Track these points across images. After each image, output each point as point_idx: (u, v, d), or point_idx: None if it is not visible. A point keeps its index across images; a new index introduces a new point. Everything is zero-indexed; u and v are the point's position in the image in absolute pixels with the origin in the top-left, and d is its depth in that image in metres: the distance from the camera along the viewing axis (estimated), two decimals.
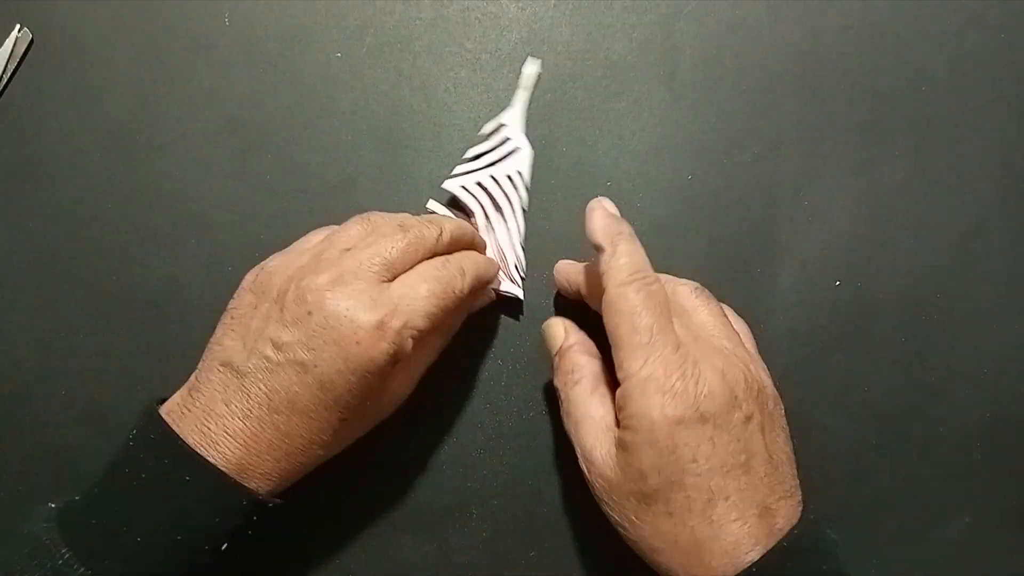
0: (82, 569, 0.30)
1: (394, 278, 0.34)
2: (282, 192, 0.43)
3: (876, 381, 0.42)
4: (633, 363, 0.32)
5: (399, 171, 0.43)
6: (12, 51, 0.43)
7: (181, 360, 0.36)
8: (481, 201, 0.41)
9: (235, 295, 0.36)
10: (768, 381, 0.35)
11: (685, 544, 0.31)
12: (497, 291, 0.41)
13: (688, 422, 0.31)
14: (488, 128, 0.42)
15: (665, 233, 0.42)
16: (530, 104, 0.42)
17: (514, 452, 0.41)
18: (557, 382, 0.37)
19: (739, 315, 0.39)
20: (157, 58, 0.43)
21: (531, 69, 0.41)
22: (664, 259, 0.42)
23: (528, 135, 0.43)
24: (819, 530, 0.33)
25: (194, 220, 0.42)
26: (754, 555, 0.31)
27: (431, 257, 0.35)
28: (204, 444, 0.32)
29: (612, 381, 0.34)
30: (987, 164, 0.43)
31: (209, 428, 0.32)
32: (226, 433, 0.32)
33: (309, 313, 0.32)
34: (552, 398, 0.41)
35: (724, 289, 0.42)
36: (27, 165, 0.43)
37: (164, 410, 0.34)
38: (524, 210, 0.41)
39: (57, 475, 0.41)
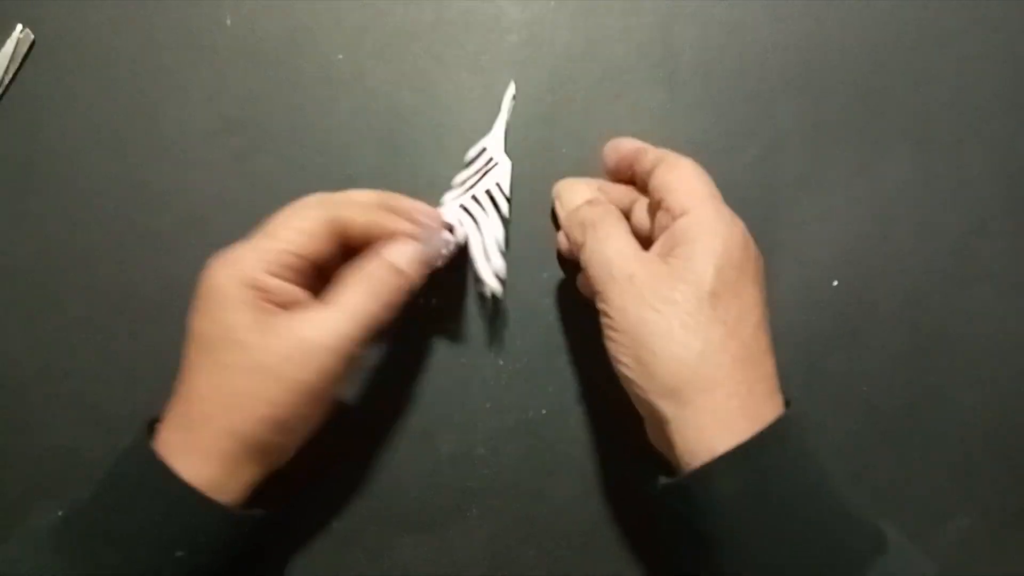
0: (58, 559, 0.31)
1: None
2: (282, 192, 0.42)
3: (876, 381, 0.42)
4: (713, 207, 0.34)
5: (399, 172, 0.43)
6: (13, 51, 0.43)
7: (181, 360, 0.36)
8: (462, 219, 0.40)
9: None
10: None
11: (736, 353, 0.31)
12: (480, 292, 0.40)
13: (747, 244, 0.33)
14: (471, 154, 0.41)
15: None
16: (509, 126, 0.42)
17: (514, 452, 0.41)
18: (576, 235, 0.36)
19: None
20: (157, 58, 0.43)
21: (508, 94, 0.42)
22: None
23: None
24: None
25: (194, 220, 0.42)
26: (776, 392, 0.32)
27: None
28: (177, 454, 0.32)
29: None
30: (987, 164, 0.43)
31: (166, 462, 0.32)
32: (164, 428, 0.33)
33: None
34: (553, 398, 0.41)
35: None
36: (27, 165, 0.43)
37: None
38: (505, 219, 0.40)
39: (57, 475, 0.41)
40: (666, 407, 0.31)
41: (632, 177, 0.39)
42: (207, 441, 0.32)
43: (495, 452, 0.41)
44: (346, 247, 0.36)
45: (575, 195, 0.39)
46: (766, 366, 0.32)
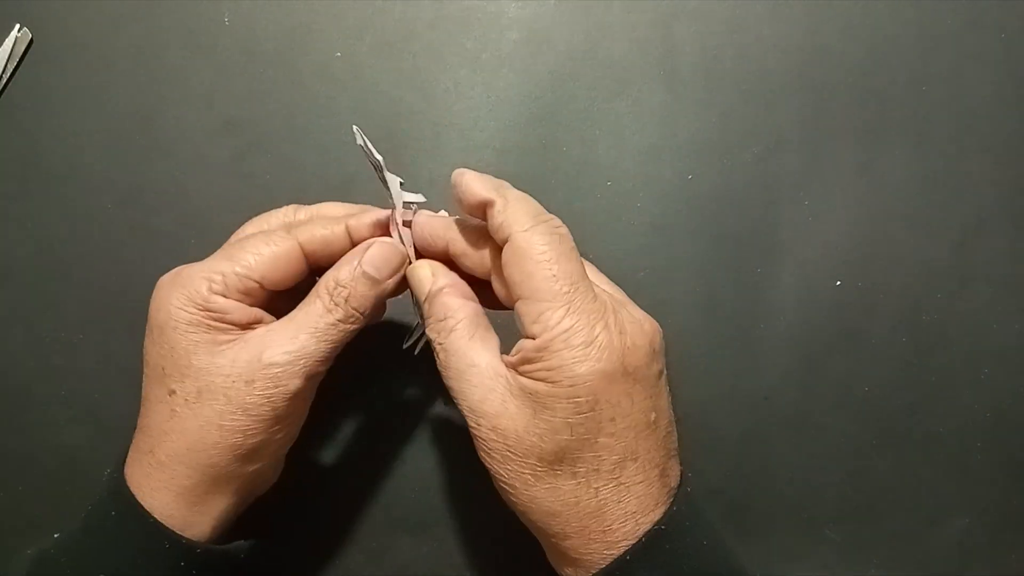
0: None
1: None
2: (282, 192, 0.42)
3: (876, 381, 0.42)
4: (552, 314, 0.29)
5: (399, 171, 0.42)
6: (12, 51, 0.43)
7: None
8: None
9: None
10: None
11: (586, 507, 0.29)
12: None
13: (614, 377, 0.29)
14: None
15: (665, 233, 0.42)
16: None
17: None
18: (429, 331, 0.33)
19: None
20: (157, 58, 0.43)
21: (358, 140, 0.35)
22: (664, 259, 0.42)
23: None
24: (693, 491, 0.33)
25: (194, 220, 0.42)
26: (654, 516, 0.30)
27: None
28: (144, 493, 0.32)
29: (489, 326, 0.32)
30: (987, 164, 0.43)
31: (136, 498, 0.32)
32: (129, 465, 0.32)
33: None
34: None
35: (724, 289, 0.42)
36: (27, 165, 0.43)
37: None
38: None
39: (57, 475, 0.41)
40: (542, 541, 0.32)
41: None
42: (171, 478, 0.31)
43: None
44: (316, 265, 0.34)
45: (421, 283, 0.33)
46: (631, 501, 0.30)
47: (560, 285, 0.29)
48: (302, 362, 0.31)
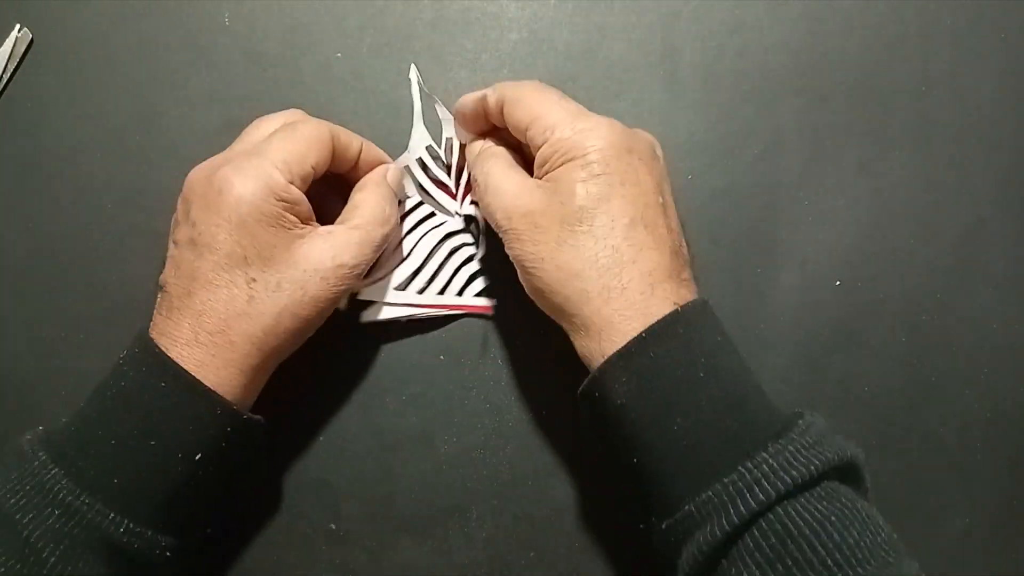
0: (55, 469, 0.31)
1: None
2: None
3: (876, 381, 0.42)
4: (557, 117, 0.34)
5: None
6: (12, 51, 0.43)
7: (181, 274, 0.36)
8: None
9: None
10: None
11: (605, 263, 0.32)
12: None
13: (620, 149, 0.33)
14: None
15: None
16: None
17: (514, 452, 0.41)
18: (475, 171, 0.37)
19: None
20: (157, 58, 0.43)
21: (414, 79, 0.43)
22: None
23: None
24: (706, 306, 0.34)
25: None
26: (669, 287, 0.32)
27: None
28: (199, 370, 0.33)
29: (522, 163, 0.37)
30: (987, 164, 0.43)
31: (166, 353, 0.33)
32: (174, 343, 0.33)
33: (189, 200, 0.35)
34: (554, 398, 0.41)
35: (724, 289, 0.42)
36: (27, 165, 0.43)
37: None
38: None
39: None
40: (564, 326, 0.34)
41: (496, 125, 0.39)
42: (242, 357, 0.33)
43: (495, 452, 0.41)
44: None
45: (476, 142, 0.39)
46: (645, 262, 0.32)
47: (568, 105, 0.35)
48: (362, 267, 0.36)
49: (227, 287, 0.33)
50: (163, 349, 0.33)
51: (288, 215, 0.34)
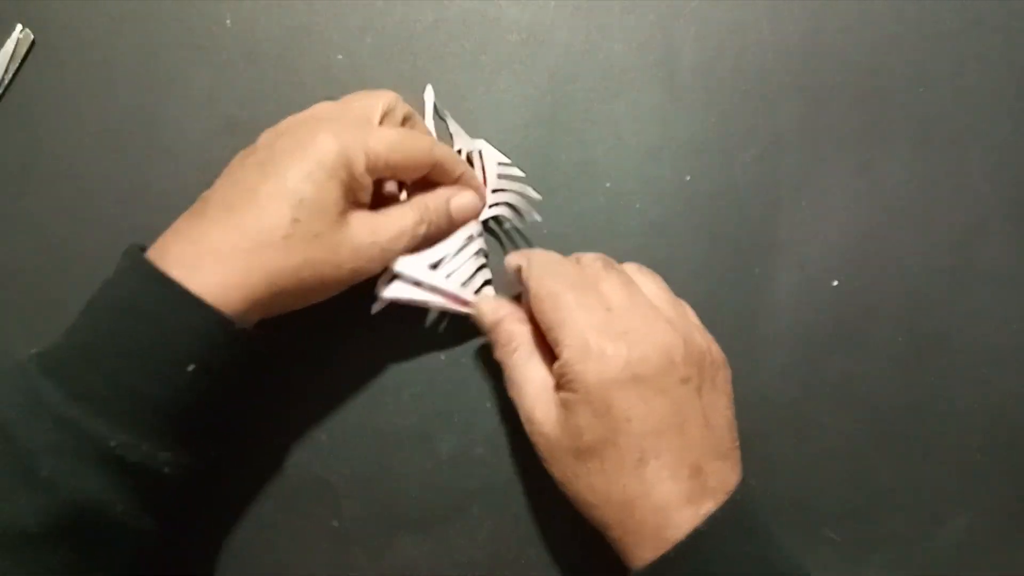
0: (46, 381, 0.31)
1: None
2: None
3: (876, 381, 0.42)
4: (567, 334, 0.34)
5: None
6: (13, 51, 0.43)
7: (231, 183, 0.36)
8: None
9: None
10: (714, 348, 0.36)
11: (617, 500, 0.33)
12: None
13: (621, 383, 0.33)
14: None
15: (665, 233, 0.43)
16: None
17: (514, 452, 0.41)
18: (497, 354, 0.38)
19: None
20: (157, 58, 0.43)
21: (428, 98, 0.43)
22: (664, 259, 0.42)
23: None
24: (751, 499, 0.34)
25: None
26: (688, 513, 0.32)
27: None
28: (184, 269, 0.33)
29: (546, 345, 0.36)
30: (987, 164, 0.43)
31: (175, 249, 0.33)
32: (192, 244, 0.33)
33: (279, 133, 0.36)
34: None
35: (724, 289, 0.42)
36: (27, 165, 0.43)
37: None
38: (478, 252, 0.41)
39: None
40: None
41: None
42: (241, 277, 0.33)
43: (495, 452, 0.41)
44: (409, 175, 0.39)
45: (487, 313, 0.38)
46: (658, 496, 0.33)
47: (567, 312, 0.34)
48: (392, 253, 0.37)
49: (275, 215, 0.33)
50: (161, 265, 0.33)
51: (349, 194, 0.35)
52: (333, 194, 0.34)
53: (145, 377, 0.31)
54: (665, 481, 0.32)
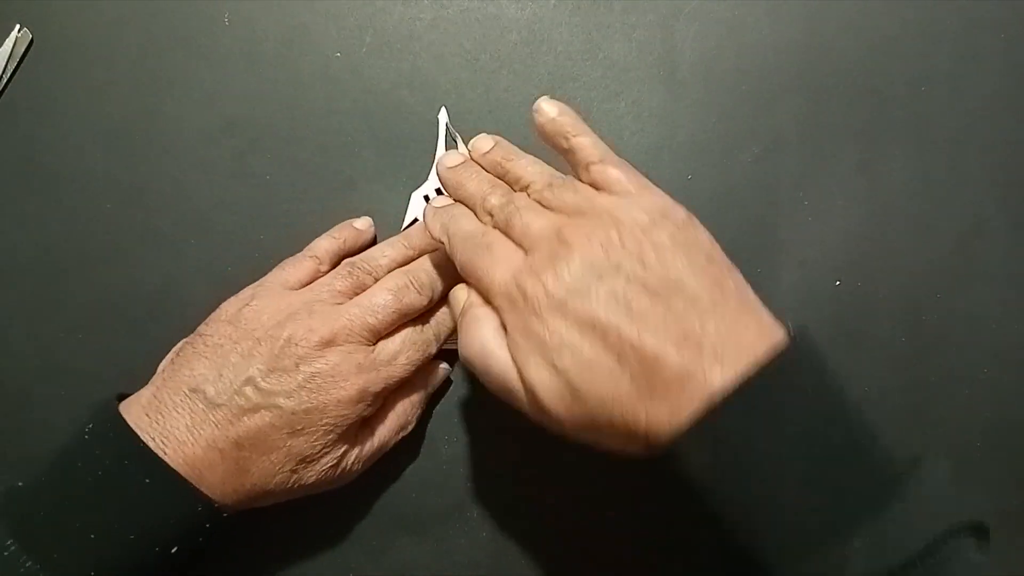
0: (29, 562, 0.30)
1: (377, 340, 0.37)
2: (282, 192, 0.43)
3: (876, 381, 0.42)
4: (494, 296, 0.32)
5: (399, 171, 0.43)
6: (12, 51, 0.43)
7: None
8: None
9: (209, 322, 0.37)
10: (631, 214, 0.31)
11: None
12: None
13: (547, 317, 0.30)
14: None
15: None
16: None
17: (514, 452, 0.41)
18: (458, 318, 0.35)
19: None
20: (157, 58, 0.43)
21: (443, 120, 0.43)
22: None
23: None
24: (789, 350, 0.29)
25: (194, 220, 0.42)
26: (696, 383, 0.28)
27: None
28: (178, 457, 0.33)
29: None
30: (987, 164, 0.43)
31: (167, 450, 0.32)
32: (184, 459, 0.33)
33: (297, 366, 0.34)
34: None
35: None
36: (27, 165, 0.43)
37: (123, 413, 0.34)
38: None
39: None
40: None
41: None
42: (236, 480, 0.34)
43: (495, 452, 0.41)
44: None
45: (458, 302, 0.35)
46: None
47: (489, 280, 0.33)
48: (365, 467, 0.39)
49: (278, 468, 0.35)
50: (160, 440, 0.33)
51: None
52: (334, 438, 0.36)
53: (119, 556, 0.31)
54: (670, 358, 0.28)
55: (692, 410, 0.27)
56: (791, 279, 0.42)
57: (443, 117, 0.43)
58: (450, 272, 0.38)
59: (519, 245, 0.32)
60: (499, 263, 0.32)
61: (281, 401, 0.34)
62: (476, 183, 0.36)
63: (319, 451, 0.35)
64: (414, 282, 0.38)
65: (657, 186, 0.43)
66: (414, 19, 0.44)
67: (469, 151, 0.38)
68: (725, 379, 0.27)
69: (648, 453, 0.30)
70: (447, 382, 0.42)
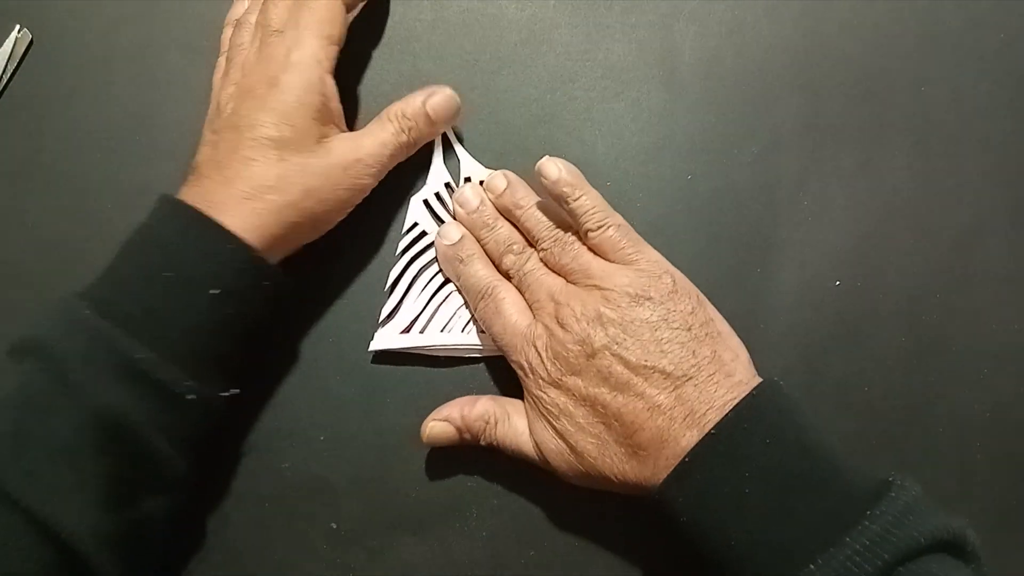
0: (82, 303, 0.33)
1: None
2: None
3: (876, 381, 0.42)
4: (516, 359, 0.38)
5: (399, 171, 0.43)
6: (12, 51, 0.43)
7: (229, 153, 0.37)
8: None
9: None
10: (608, 303, 0.36)
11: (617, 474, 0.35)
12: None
13: (554, 392, 0.36)
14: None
15: (665, 233, 0.42)
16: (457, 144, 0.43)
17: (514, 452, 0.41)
18: (484, 442, 0.39)
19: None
20: (157, 58, 0.43)
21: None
22: (665, 258, 0.42)
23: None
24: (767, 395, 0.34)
25: None
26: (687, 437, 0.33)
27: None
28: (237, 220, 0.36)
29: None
30: (987, 164, 0.43)
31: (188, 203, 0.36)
32: (202, 201, 0.35)
33: (241, 94, 0.38)
34: None
35: (724, 289, 0.42)
36: (26, 165, 0.43)
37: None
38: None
39: None
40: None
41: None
42: (254, 219, 0.36)
43: (495, 452, 0.41)
44: None
45: (446, 431, 0.40)
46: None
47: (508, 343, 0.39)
48: (380, 165, 0.39)
49: (261, 161, 0.36)
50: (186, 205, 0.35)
51: (322, 112, 0.38)
52: (306, 124, 0.37)
53: (170, 300, 0.34)
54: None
55: (669, 467, 0.33)
56: (791, 279, 0.42)
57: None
58: None
59: (528, 303, 0.38)
60: (508, 328, 0.38)
61: (236, 119, 0.37)
62: (493, 240, 0.40)
63: (291, 131, 0.36)
64: None
65: (657, 189, 0.43)
66: (414, 19, 0.44)
67: (483, 188, 0.41)
68: (695, 440, 0.33)
69: (646, 496, 0.35)
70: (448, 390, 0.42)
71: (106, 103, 0.43)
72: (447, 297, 0.41)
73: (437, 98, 0.40)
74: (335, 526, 0.41)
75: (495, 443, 0.39)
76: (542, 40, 0.44)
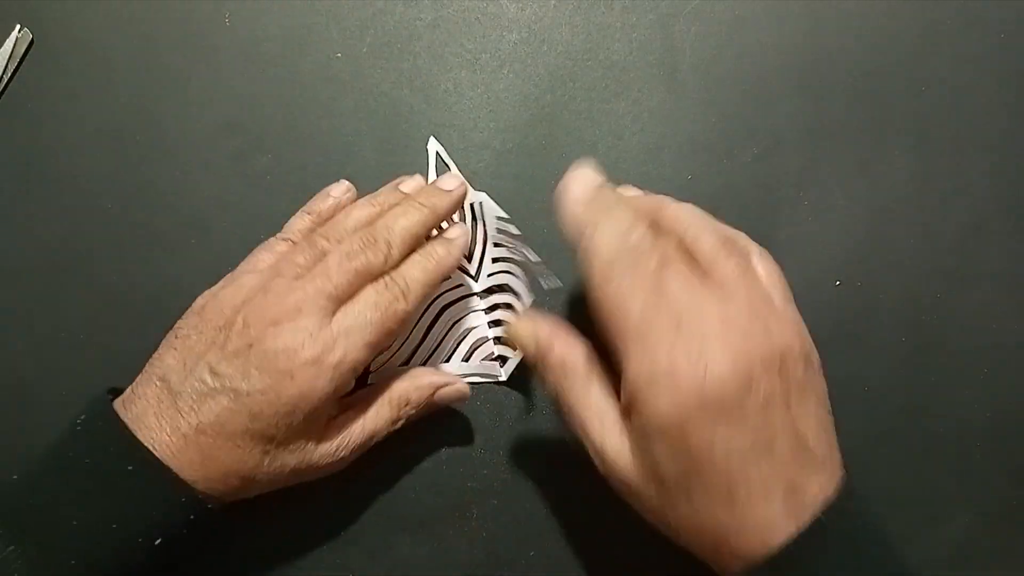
0: (11, 547, 0.31)
1: (339, 306, 0.35)
2: (282, 192, 0.43)
3: (876, 381, 0.42)
4: (631, 353, 0.30)
5: (399, 171, 0.43)
6: (12, 51, 0.43)
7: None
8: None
9: (184, 315, 0.37)
10: (796, 340, 0.32)
11: (710, 531, 0.30)
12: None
13: (697, 411, 0.29)
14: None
15: None
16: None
17: (514, 452, 0.41)
18: (548, 382, 0.35)
19: None
20: (157, 58, 0.43)
21: (432, 150, 0.43)
22: None
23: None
24: (850, 501, 0.31)
25: (194, 220, 0.42)
26: (781, 536, 0.29)
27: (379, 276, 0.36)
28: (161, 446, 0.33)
29: (605, 362, 0.33)
30: (987, 164, 0.43)
31: (138, 437, 0.33)
32: (153, 444, 0.33)
33: (250, 346, 0.33)
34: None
35: None
36: (27, 165, 0.43)
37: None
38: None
39: None
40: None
41: None
42: (215, 468, 0.33)
43: (495, 452, 0.41)
44: None
45: (527, 339, 0.35)
46: (750, 523, 0.30)
47: (632, 322, 0.30)
48: (363, 450, 0.38)
49: (246, 452, 0.34)
50: (132, 428, 0.33)
51: (329, 412, 0.36)
52: (304, 424, 0.34)
53: (102, 545, 0.32)
54: (758, 507, 0.29)
55: (761, 555, 0.29)
56: (791, 279, 0.42)
57: (433, 146, 0.43)
58: (411, 229, 0.36)
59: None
60: (652, 312, 0.31)
61: (237, 384, 0.33)
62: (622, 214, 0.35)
63: (284, 432, 0.34)
64: (369, 239, 0.36)
65: (657, 189, 0.43)
66: (414, 19, 0.44)
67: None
68: (789, 533, 0.29)
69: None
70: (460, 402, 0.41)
71: (106, 103, 0.43)
72: (448, 330, 0.41)
73: (448, 392, 0.39)
74: (335, 526, 0.41)
75: (559, 399, 0.34)
76: (542, 39, 0.44)
